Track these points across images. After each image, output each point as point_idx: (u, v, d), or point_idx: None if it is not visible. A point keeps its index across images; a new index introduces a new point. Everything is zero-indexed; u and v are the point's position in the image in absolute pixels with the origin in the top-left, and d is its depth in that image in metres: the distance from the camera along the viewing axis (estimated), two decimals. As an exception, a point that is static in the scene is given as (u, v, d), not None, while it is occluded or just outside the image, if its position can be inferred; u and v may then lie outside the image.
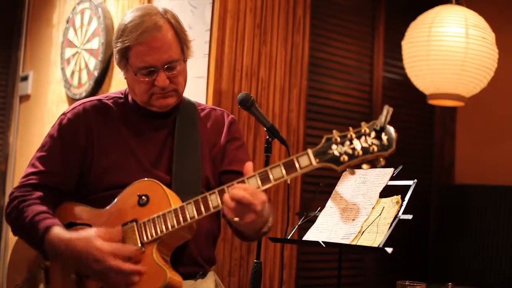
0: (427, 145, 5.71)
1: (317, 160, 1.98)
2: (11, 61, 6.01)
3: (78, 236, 2.17)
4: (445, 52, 4.42)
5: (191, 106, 2.56)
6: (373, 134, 1.93)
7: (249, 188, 2.02)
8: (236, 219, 2.03)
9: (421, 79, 4.62)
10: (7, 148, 5.89)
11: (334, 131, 1.99)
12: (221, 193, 2.09)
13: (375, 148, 1.92)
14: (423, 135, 5.68)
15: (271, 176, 2.04)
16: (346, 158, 1.94)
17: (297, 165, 2.01)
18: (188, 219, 2.14)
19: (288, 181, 3.34)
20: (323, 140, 1.99)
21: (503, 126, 5.64)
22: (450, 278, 4.96)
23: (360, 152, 1.93)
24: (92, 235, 2.15)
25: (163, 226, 2.16)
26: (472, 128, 5.85)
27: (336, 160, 1.95)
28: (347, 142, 1.95)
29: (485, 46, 4.46)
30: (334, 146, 1.96)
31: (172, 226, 2.15)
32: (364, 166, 1.96)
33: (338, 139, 1.96)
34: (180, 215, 2.15)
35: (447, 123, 5.85)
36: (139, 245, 2.18)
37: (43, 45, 5.70)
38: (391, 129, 1.92)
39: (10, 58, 6.01)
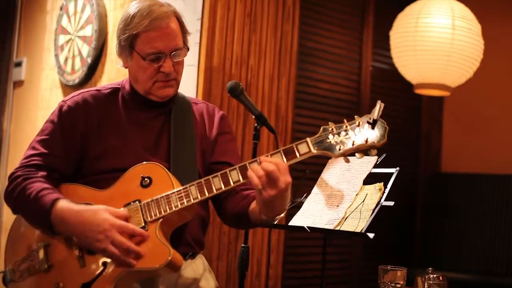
0: (415, 134, 5.79)
1: (316, 147, 2.14)
2: (5, 47, 6.03)
3: (87, 207, 2.28)
4: (431, 42, 4.50)
5: (185, 99, 2.66)
6: (366, 126, 2.10)
7: (281, 164, 2.15)
8: (260, 187, 2.14)
9: (408, 69, 4.70)
10: (1, 134, 5.92)
11: (330, 123, 2.15)
12: (224, 176, 2.22)
13: (368, 139, 2.08)
14: (411, 124, 5.76)
15: None
16: (342, 147, 2.11)
17: (296, 152, 2.17)
18: (192, 200, 2.25)
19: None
20: (321, 130, 2.16)
21: (489, 116, 5.72)
22: (435, 263, 5.05)
23: (355, 142, 2.10)
24: (101, 208, 2.26)
25: (167, 207, 2.27)
26: (459, 117, 5.93)
27: (332, 148, 2.13)
28: (343, 133, 2.12)
29: (471, 37, 4.54)
30: (330, 136, 2.13)
31: (176, 206, 2.26)
32: (357, 155, 2.13)
33: (335, 130, 2.14)
34: (183, 196, 2.26)
35: (434, 112, 5.93)
36: (143, 224, 2.28)
37: (37, 32, 5.75)
38: (383, 123, 2.10)
39: (4, 44, 6.03)
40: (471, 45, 4.54)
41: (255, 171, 2.14)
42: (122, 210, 2.30)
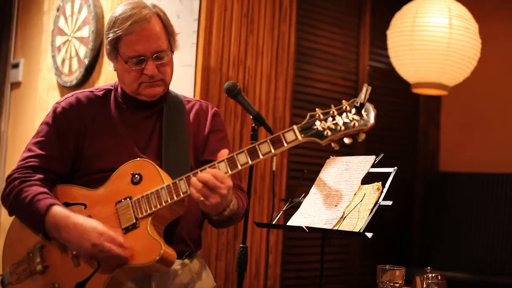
0: (412, 133, 5.79)
1: (302, 135, 2.13)
2: (2, 48, 6.02)
3: (79, 216, 2.31)
4: (428, 42, 4.50)
5: (177, 98, 2.67)
6: (353, 110, 2.08)
7: (218, 173, 2.17)
8: (202, 198, 2.18)
9: (405, 68, 4.70)
10: (-2, 135, 5.93)
11: (317, 109, 2.13)
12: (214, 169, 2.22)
13: (356, 123, 2.07)
14: (408, 123, 5.75)
15: (259, 152, 2.19)
16: (329, 132, 2.09)
17: (283, 140, 2.16)
18: (181, 194, 2.26)
19: (274, 168, 3.42)
20: (307, 117, 2.14)
21: (486, 115, 5.73)
22: (433, 262, 5.05)
23: (342, 127, 2.08)
24: (94, 222, 2.29)
25: (157, 202, 2.28)
26: (456, 116, 5.93)
27: (320, 135, 2.11)
28: (330, 118, 2.10)
29: (468, 36, 4.54)
30: (317, 122, 2.11)
31: (166, 201, 2.27)
32: (346, 140, 2.11)
33: (321, 116, 2.11)
34: (173, 191, 2.27)
35: (431, 111, 5.93)
36: (134, 220, 2.29)
37: (34, 33, 5.74)
38: (370, 106, 2.07)
39: (1, 45, 6.02)
40: (468, 44, 4.54)
41: (194, 186, 2.18)
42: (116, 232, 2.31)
